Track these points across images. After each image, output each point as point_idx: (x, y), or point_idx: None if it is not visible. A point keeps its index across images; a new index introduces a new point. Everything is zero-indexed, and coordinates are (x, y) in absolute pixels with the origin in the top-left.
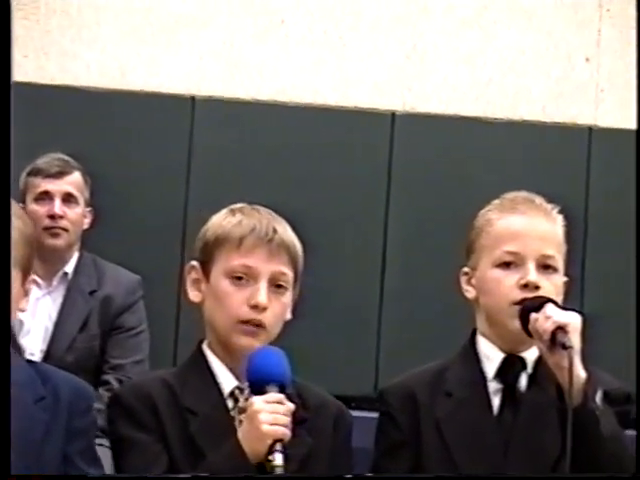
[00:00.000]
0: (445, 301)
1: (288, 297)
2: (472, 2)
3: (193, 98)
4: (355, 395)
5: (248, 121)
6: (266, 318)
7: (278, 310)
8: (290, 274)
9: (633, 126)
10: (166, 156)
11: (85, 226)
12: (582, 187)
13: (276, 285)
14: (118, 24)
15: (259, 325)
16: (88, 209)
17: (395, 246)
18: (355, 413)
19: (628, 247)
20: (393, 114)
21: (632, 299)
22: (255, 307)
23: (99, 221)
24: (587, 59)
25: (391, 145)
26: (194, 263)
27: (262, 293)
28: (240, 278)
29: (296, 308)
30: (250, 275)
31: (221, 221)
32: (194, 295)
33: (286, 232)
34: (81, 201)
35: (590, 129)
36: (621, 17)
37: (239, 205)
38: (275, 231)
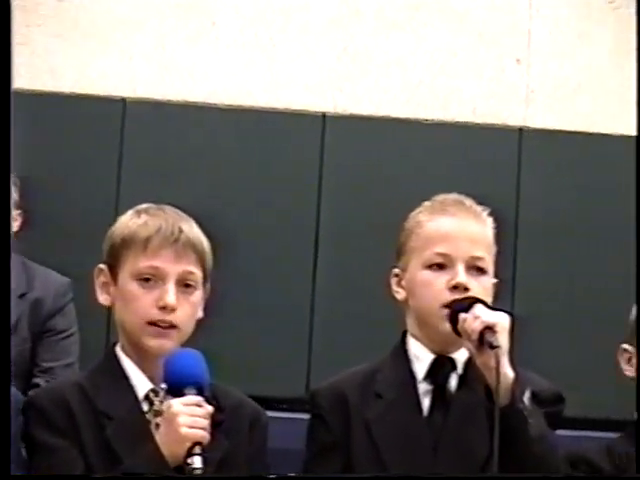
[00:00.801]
0: (377, 302)
1: (198, 296)
2: (403, 4)
3: (124, 100)
4: (287, 397)
5: (179, 123)
6: (176, 318)
7: (188, 310)
8: (198, 273)
9: (564, 127)
10: (97, 158)
11: (14, 229)
12: (513, 188)
13: (185, 285)
14: (48, 26)
15: (170, 326)
16: (17, 212)
17: (326, 247)
18: (287, 415)
19: (558, 248)
20: (324, 115)
21: (562, 300)
22: (164, 308)
23: (28, 224)
24: (518, 60)
25: (322, 146)
26: (102, 266)
27: (170, 294)
28: (148, 280)
29: (208, 306)
30: (158, 276)
31: (127, 222)
32: (103, 298)
33: (192, 231)
34: (10, 203)
35: (520, 130)
36: (551, 18)
37: (145, 206)
38: (181, 230)
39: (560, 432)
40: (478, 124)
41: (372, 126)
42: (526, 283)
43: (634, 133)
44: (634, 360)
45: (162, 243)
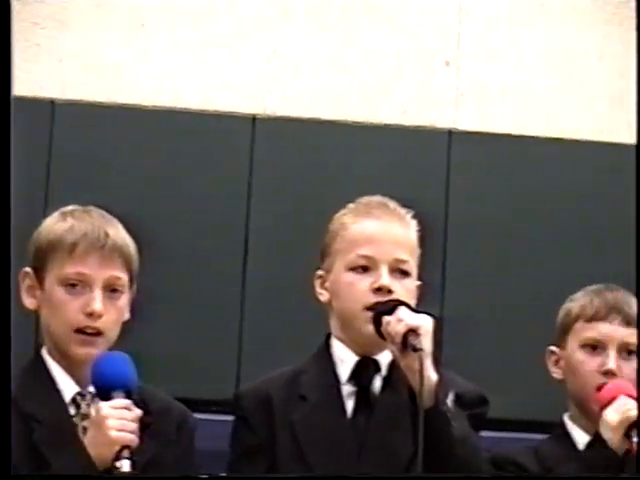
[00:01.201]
0: (307, 304)
1: (124, 300)
2: (333, 6)
3: (53, 102)
4: (217, 399)
5: (109, 125)
6: (103, 324)
7: (115, 315)
8: (125, 277)
9: (493, 129)
10: (26, 161)
11: None
12: (442, 190)
13: (111, 290)
14: None
15: (96, 333)
16: None
17: (256, 248)
18: (217, 417)
19: (488, 250)
20: (254, 118)
21: (490, 302)
22: (91, 315)
23: None
24: (447, 63)
25: (252, 148)
26: (27, 269)
27: (97, 300)
28: (74, 285)
29: (135, 308)
30: (84, 282)
31: (52, 226)
32: (29, 302)
33: (119, 235)
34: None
35: (450, 132)
36: (480, 21)
37: (70, 208)
38: (107, 235)
39: (486, 434)
40: (408, 126)
41: (302, 128)
42: (455, 285)
43: (562, 135)
44: (562, 362)
45: (88, 249)
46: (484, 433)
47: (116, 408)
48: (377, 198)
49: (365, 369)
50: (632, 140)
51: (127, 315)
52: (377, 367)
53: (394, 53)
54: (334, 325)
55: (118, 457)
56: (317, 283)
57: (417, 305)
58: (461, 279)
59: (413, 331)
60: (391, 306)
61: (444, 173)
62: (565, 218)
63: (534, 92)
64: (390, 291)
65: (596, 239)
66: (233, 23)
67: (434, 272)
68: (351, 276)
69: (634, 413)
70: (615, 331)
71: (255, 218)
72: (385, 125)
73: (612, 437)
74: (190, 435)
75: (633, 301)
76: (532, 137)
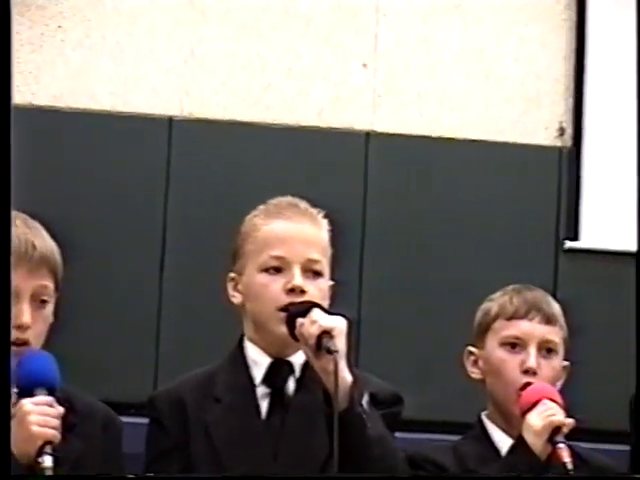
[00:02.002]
0: (224, 306)
1: (51, 308)
2: (250, 7)
3: None
4: (135, 401)
5: (25, 128)
6: (30, 335)
7: (41, 325)
8: (51, 285)
9: (410, 131)
10: None
11: None
12: (360, 191)
13: (39, 300)
14: None
15: (23, 343)
16: None
17: (174, 250)
18: (135, 420)
19: (405, 251)
20: (170, 119)
21: (408, 303)
22: (19, 327)
23: None
24: (364, 64)
25: (169, 150)
26: None
27: (25, 314)
28: None
29: (58, 310)
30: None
31: None
32: None
33: (45, 245)
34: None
35: (367, 134)
36: (398, 22)
37: None
38: (34, 247)
39: (402, 435)
40: (325, 128)
41: (219, 129)
42: (372, 286)
43: (479, 137)
44: (480, 362)
45: (15, 261)
46: (399, 434)
47: (38, 404)
48: (288, 199)
49: (278, 371)
50: (548, 142)
51: (51, 319)
52: (291, 369)
53: (311, 54)
54: (247, 327)
55: (40, 453)
56: (229, 285)
57: (332, 306)
58: (378, 280)
59: (327, 333)
60: (304, 308)
61: (361, 174)
62: (482, 219)
63: (451, 93)
64: (303, 291)
65: (513, 240)
66: (149, 24)
67: (351, 273)
68: (263, 277)
69: (557, 418)
70: (535, 329)
71: (172, 220)
72: (302, 126)
73: (535, 442)
74: (117, 436)
75: (551, 300)
76: (449, 138)
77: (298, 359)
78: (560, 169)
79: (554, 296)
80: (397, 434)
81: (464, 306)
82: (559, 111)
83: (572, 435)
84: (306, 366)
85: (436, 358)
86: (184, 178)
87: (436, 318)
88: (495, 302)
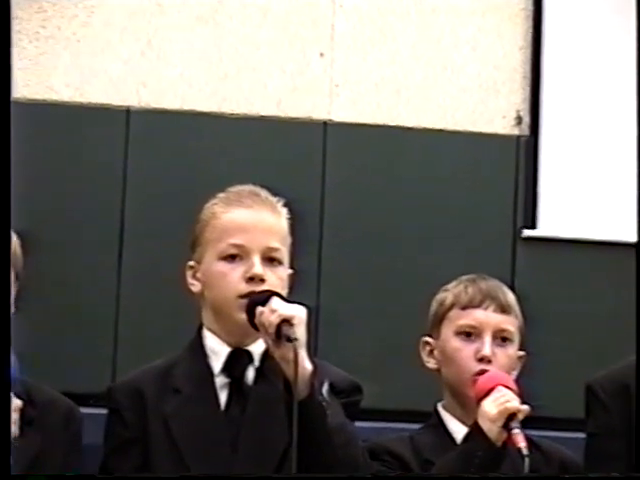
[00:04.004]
0: (183, 296)
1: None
2: None
3: None
4: (93, 392)
5: None
6: None
7: None
8: (12, 276)
9: (368, 120)
10: None
11: None
12: (318, 181)
13: None
14: None
15: None
16: None
17: (131, 240)
18: (94, 411)
19: (364, 240)
20: (128, 110)
21: (366, 292)
22: None
23: None
24: (321, 54)
25: (126, 141)
26: None
27: None
28: None
29: (18, 300)
30: None
31: None
32: None
33: None
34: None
35: (325, 123)
36: (354, 12)
37: None
38: None
39: (361, 424)
40: (283, 118)
41: (177, 120)
42: (332, 275)
43: (436, 126)
44: (436, 352)
45: None
46: (358, 423)
47: None
48: (248, 187)
49: (237, 360)
50: (506, 130)
51: (12, 309)
52: (250, 358)
53: (268, 44)
54: (206, 316)
55: None
56: (188, 274)
57: (291, 294)
58: (337, 269)
59: (287, 321)
60: (264, 297)
61: (320, 164)
62: (440, 208)
63: (408, 83)
64: (263, 280)
65: (471, 229)
66: (106, 14)
67: (310, 261)
68: (223, 265)
69: (512, 405)
70: (490, 318)
71: (130, 211)
72: (260, 116)
73: (491, 428)
74: (77, 429)
75: (507, 289)
76: (406, 128)
77: (257, 348)
78: (518, 158)
79: (512, 284)
80: (356, 423)
81: (422, 295)
82: (516, 100)
83: (528, 423)
84: (265, 355)
85: (394, 347)
86: (142, 169)
87: (394, 307)
88: (450, 292)
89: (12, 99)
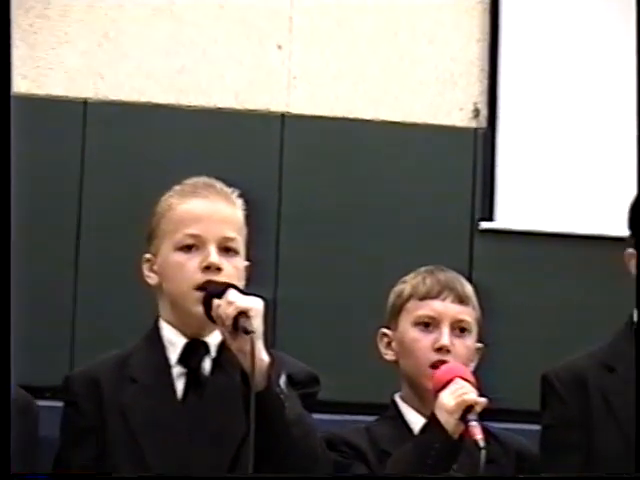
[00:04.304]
0: (140, 287)
1: None
2: None
3: None
4: (50, 385)
5: None
6: None
7: None
8: None
9: (325, 113)
10: None
11: None
12: (276, 173)
13: None
14: None
15: None
16: None
17: (89, 232)
18: (51, 403)
19: (321, 232)
20: (85, 102)
21: (324, 284)
22: None
23: None
24: (279, 46)
25: (84, 133)
26: None
27: None
28: None
29: None
30: None
31: None
32: None
33: None
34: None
35: (283, 116)
36: (312, 4)
37: None
38: None
39: (319, 416)
40: (240, 110)
41: (134, 112)
42: (290, 267)
43: (394, 119)
44: (394, 343)
45: None
46: (316, 416)
47: None
48: (203, 179)
49: (194, 351)
50: (463, 123)
51: None
52: (206, 349)
53: (225, 36)
54: (163, 308)
55: None
56: (145, 267)
57: (248, 286)
58: (295, 260)
59: (244, 313)
60: (221, 289)
61: (277, 156)
62: (397, 200)
63: (366, 76)
64: (219, 269)
65: (429, 221)
66: (63, 6)
67: (268, 253)
68: (179, 256)
69: (469, 397)
70: (447, 308)
71: (87, 203)
72: (218, 109)
73: (448, 420)
74: (33, 422)
75: (464, 281)
76: (364, 120)
77: (214, 339)
78: (475, 150)
79: (469, 276)
80: (314, 416)
81: (380, 287)
82: (474, 92)
83: (485, 415)
84: (222, 346)
85: (352, 339)
86: (99, 161)
87: (352, 299)
88: (408, 283)
89: None
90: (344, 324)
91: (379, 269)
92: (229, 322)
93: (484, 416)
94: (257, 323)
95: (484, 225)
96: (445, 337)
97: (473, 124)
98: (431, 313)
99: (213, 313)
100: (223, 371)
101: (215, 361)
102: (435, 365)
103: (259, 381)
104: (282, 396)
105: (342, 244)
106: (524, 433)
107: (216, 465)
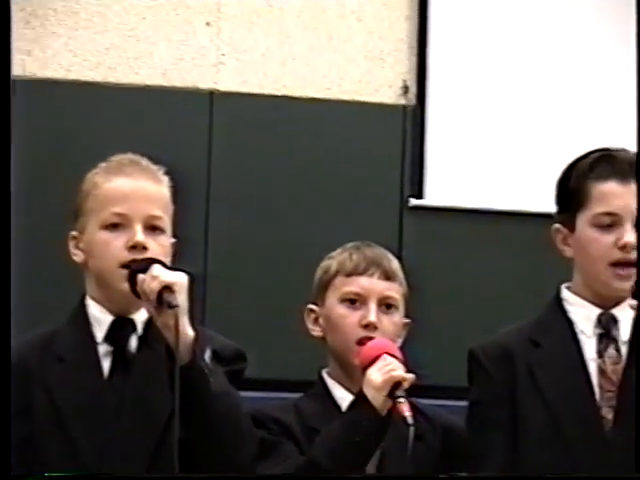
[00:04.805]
0: (67, 265)
1: None
2: None
3: None
4: None
5: None
6: None
7: None
8: None
9: (254, 90)
10: None
11: None
12: (204, 150)
13: None
14: None
15: None
16: None
17: (17, 209)
18: None
19: (251, 209)
20: (13, 80)
21: (251, 260)
22: None
23: None
24: (208, 23)
25: (10, 111)
26: None
27: None
28: None
29: None
30: None
31: None
32: None
33: None
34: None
35: (211, 93)
36: None
37: None
38: None
39: (246, 394)
40: (168, 87)
41: (62, 90)
42: (219, 243)
43: (323, 96)
44: (321, 319)
45: None
46: (243, 393)
47: None
48: (128, 156)
49: (120, 329)
50: (392, 100)
51: None
52: (133, 326)
53: (153, 13)
54: (89, 285)
55: None
56: (71, 244)
57: (177, 262)
58: (224, 237)
59: (168, 288)
60: (145, 264)
61: (206, 134)
62: (326, 177)
63: (294, 53)
64: (145, 248)
65: (358, 198)
66: None
67: (197, 230)
68: (105, 234)
69: (397, 373)
70: (374, 284)
71: (15, 181)
72: (146, 86)
73: (376, 397)
74: None
75: (392, 257)
76: (293, 97)
77: (140, 317)
78: (404, 127)
79: (399, 253)
80: (240, 392)
81: (308, 263)
82: (402, 70)
83: (413, 391)
84: (149, 324)
85: (280, 316)
86: (26, 139)
87: (281, 275)
88: (334, 259)
89: None
90: (272, 300)
91: (308, 245)
92: (153, 297)
93: (411, 393)
94: (181, 298)
95: (413, 202)
96: (372, 314)
97: (402, 101)
98: (358, 290)
99: (138, 288)
100: (150, 348)
101: (142, 338)
102: (362, 341)
103: (183, 355)
104: (206, 370)
105: (271, 220)
106: (452, 409)
107: (143, 442)
